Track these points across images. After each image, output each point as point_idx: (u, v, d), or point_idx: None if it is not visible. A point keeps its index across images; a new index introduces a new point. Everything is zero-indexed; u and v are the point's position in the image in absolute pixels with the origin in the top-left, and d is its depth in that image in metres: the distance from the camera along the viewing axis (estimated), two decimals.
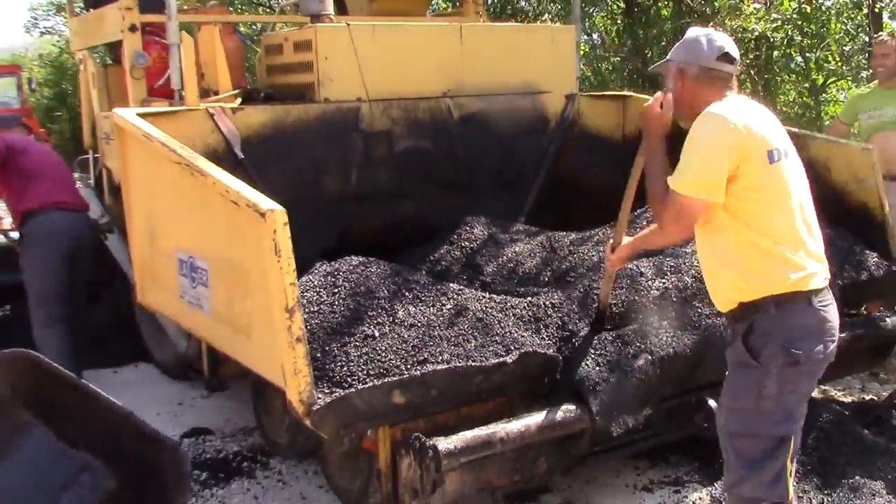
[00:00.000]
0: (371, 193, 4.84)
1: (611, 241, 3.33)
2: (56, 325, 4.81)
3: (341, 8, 6.23)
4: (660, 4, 7.92)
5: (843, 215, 4.48)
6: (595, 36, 10.15)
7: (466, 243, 4.78)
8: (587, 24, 9.80)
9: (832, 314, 2.65)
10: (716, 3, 6.45)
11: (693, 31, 2.85)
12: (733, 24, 5.99)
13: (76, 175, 6.17)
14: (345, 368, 3.03)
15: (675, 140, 2.74)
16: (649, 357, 3.37)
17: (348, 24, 4.72)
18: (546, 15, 9.78)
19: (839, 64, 6.10)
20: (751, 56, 6.60)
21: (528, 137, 5.39)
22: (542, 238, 4.77)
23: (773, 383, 2.57)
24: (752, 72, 6.76)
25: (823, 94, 6.58)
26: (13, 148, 4.86)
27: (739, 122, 2.57)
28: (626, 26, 8.43)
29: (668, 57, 2.86)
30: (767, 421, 2.59)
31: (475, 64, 5.11)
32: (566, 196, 5.48)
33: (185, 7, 5.98)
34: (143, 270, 4.16)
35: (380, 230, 4.83)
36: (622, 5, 8.58)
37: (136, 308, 5.32)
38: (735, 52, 2.77)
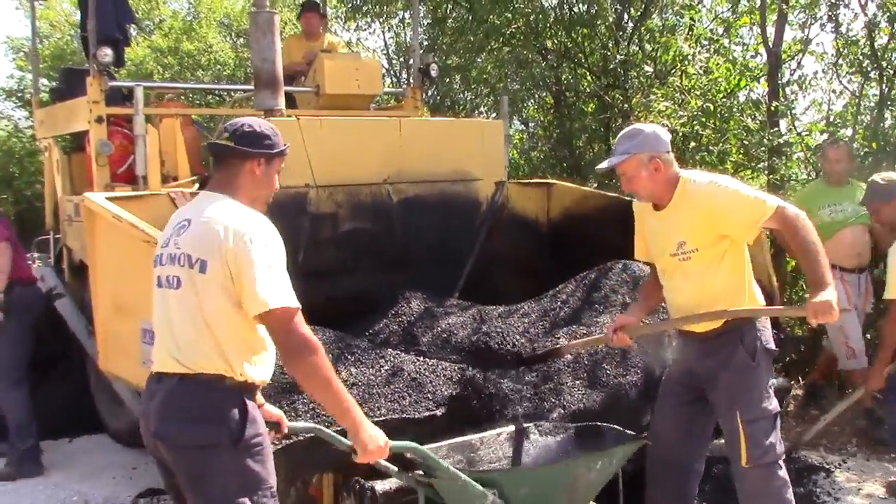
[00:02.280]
0: (317, 270, 5.25)
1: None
2: (22, 388, 5.16)
3: (291, 102, 6.78)
4: (584, 101, 8.63)
5: None
6: (531, 125, 10.87)
7: (404, 316, 5.22)
8: (523, 114, 10.55)
9: None
10: (632, 102, 7.16)
11: (646, 127, 3.47)
12: (647, 120, 6.67)
13: (35, 255, 6.52)
14: (293, 420, 3.44)
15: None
16: (562, 411, 3.84)
17: (298, 118, 5.24)
18: (482, 107, 10.47)
19: (740, 157, 6.80)
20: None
21: (462, 220, 5.90)
22: (474, 311, 5.23)
23: (766, 375, 3.38)
24: None
25: None
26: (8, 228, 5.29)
27: None
28: (555, 118, 9.13)
29: (626, 152, 3.37)
30: (768, 403, 3.32)
31: (413, 154, 5.64)
32: (496, 273, 5.99)
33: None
34: (107, 340, 4.51)
35: (325, 304, 5.22)
36: (551, 100, 9.29)
37: (92, 378, 5.65)
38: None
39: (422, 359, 4.05)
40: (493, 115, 9.72)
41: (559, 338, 4.44)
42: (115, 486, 4.92)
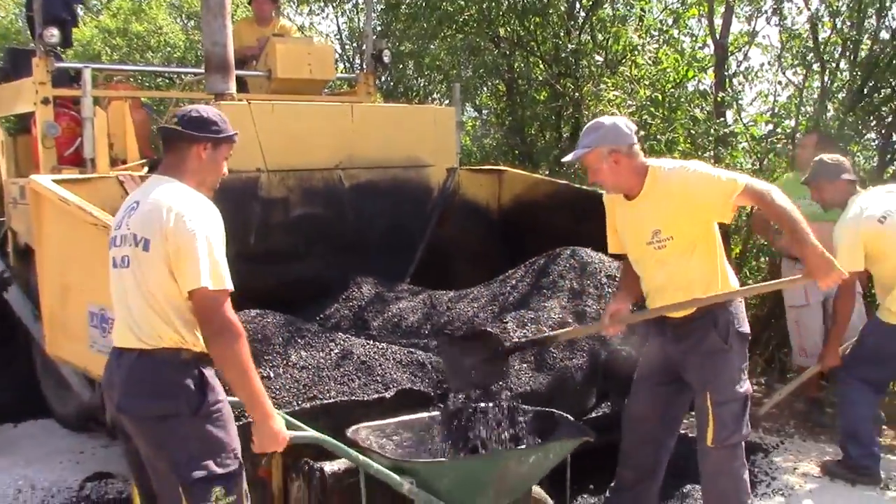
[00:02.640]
0: (268, 255, 5.27)
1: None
2: None
3: (242, 86, 6.74)
4: (536, 89, 8.70)
5: None
6: (485, 112, 10.93)
7: (355, 301, 5.27)
8: (477, 101, 10.59)
9: None
10: (583, 91, 7.25)
11: (607, 120, 3.55)
12: (596, 109, 6.77)
13: None
14: (236, 408, 3.46)
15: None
16: (509, 393, 3.91)
17: (249, 102, 5.22)
18: (436, 94, 10.49)
19: (687, 146, 6.93)
20: None
21: (413, 206, 5.95)
22: (424, 296, 5.30)
23: (739, 358, 3.45)
24: None
25: None
26: None
27: None
28: (507, 106, 9.20)
29: (588, 146, 3.46)
30: (739, 386, 3.42)
31: (365, 139, 5.65)
32: (447, 258, 6.05)
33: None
34: (53, 324, 4.48)
35: (276, 288, 5.24)
36: (504, 88, 9.35)
37: (39, 363, 5.59)
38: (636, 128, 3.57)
39: (372, 342, 4.07)
40: (447, 101, 9.75)
41: (506, 322, 4.50)
42: (61, 470, 4.89)
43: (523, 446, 3.38)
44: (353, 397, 3.59)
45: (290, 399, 3.54)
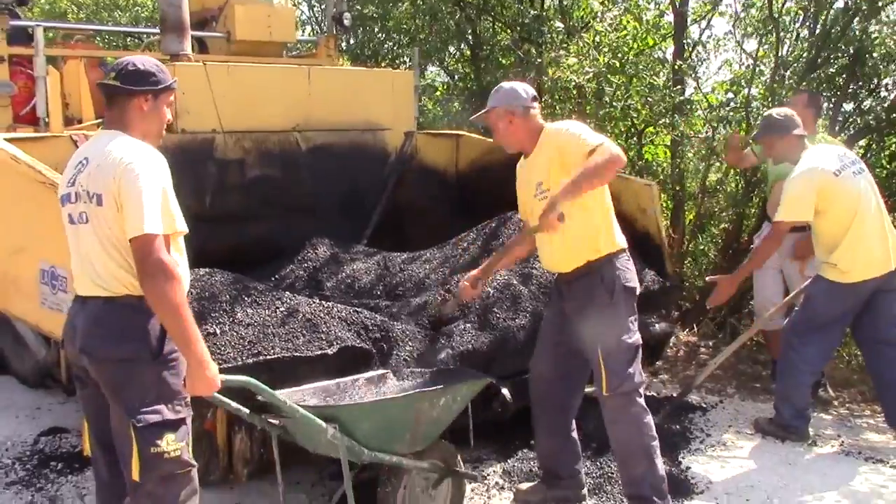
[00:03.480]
0: (224, 215, 5.33)
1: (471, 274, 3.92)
2: None
3: (202, 48, 6.75)
4: (499, 55, 8.75)
5: (630, 239, 5.28)
6: (456, 77, 10.92)
7: (310, 262, 5.36)
8: (448, 66, 10.61)
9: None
10: (543, 57, 7.31)
11: (506, 84, 3.76)
12: (555, 75, 6.84)
13: None
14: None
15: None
16: (450, 352, 4.04)
17: (205, 64, 5.26)
18: (404, 57, 10.48)
19: (644, 112, 7.03)
20: (573, 103, 7.50)
21: (370, 169, 6.02)
22: (379, 258, 5.40)
23: (626, 311, 3.57)
24: (573, 117, 7.66)
25: (636, 138, 7.54)
26: None
27: None
28: (472, 71, 9.24)
29: (489, 106, 3.69)
30: (628, 338, 3.54)
31: (322, 102, 5.72)
32: (404, 221, 6.14)
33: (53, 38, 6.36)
34: (5, 281, 4.54)
35: (232, 249, 5.30)
36: (469, 52, 9.38)
37: None
38: (535, 93, 3.72)
39: (318, 301, 4.16)
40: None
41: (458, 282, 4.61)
42: (17, 424, 4.96)
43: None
44: (297, 353, 3.68)
45: (235, 355, 3.62)
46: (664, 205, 7.83)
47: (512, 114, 3.63)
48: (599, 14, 7.27)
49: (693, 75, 7.43)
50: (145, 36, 7.52)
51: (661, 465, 3.59)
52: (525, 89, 3.70)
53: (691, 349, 6.44)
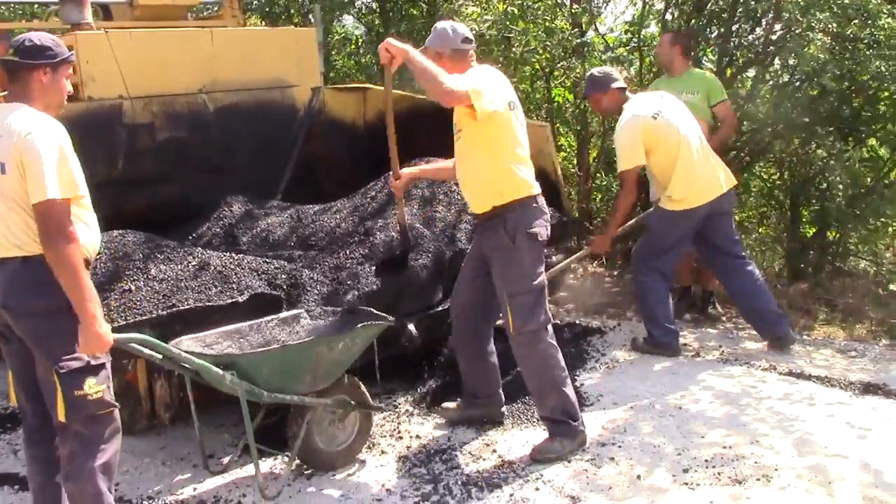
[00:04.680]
0: (137, 179, 5.47)
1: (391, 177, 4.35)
2: None
3: (108, 15, 6.81)
4: (408, 5, 8.92)
5: None
6: (371, 32, 11.01)
7: (226, 219, 5.56)
8: (360, 18, 10.70)
9: (546, 210, 3.96)
10: (443, 7, 7.53)
11: (441, 24, 3.95)
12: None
13: None
14: (107, 316, 3.78)
15: None
16: (356, 293, 4.33)
17: (107, 31, 5.37)
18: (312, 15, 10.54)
19: (545, 57, 7.31)
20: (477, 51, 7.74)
21: (279, 125, 6.20)
22: (292, 211, 5.63)
23: (529, 256, 3.79)
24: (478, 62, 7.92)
25: (545, 81, 7.82)
26: None
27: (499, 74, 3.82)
28: (382, 23, 9.40)
29: (425, 45, 3.90)
30: (532, 280, 3.78)
31: (227, 63, 5.85)
32: (316, 174, 6.36)
33: None
34: None
35: (146, 211, 5.48)
36: (376, 5, 9.53)
37: None
38: (471, 35, 3.91)
39: (228, 254, 4.40)
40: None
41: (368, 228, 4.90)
42: None
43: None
44: (209, 303, 3.93)
45: (151, 309, 3.86)
46: (569, 144, 8.21)
47: (440, 55, 3.82)
48: None
49: (589, 18, 7.70)
50: (50, 6, 7.50)
51: (571, 392, 3.87)
52: (454, 29, 3.87)
53: (596, 279, 6.84)
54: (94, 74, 5.29)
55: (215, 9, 7.61)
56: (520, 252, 3.82)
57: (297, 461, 3.74)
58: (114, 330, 3.10)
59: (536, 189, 3.93)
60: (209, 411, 4.06)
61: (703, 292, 5.97)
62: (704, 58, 7.52)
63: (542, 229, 3.89)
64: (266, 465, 3.84)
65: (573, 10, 7.42)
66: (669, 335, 5.04)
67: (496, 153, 3.81)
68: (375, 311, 3.95)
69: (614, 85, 5.02)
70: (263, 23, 10.40)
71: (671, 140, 4.86)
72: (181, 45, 5.68)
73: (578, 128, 7.65)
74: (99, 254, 4.12)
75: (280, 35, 6.60)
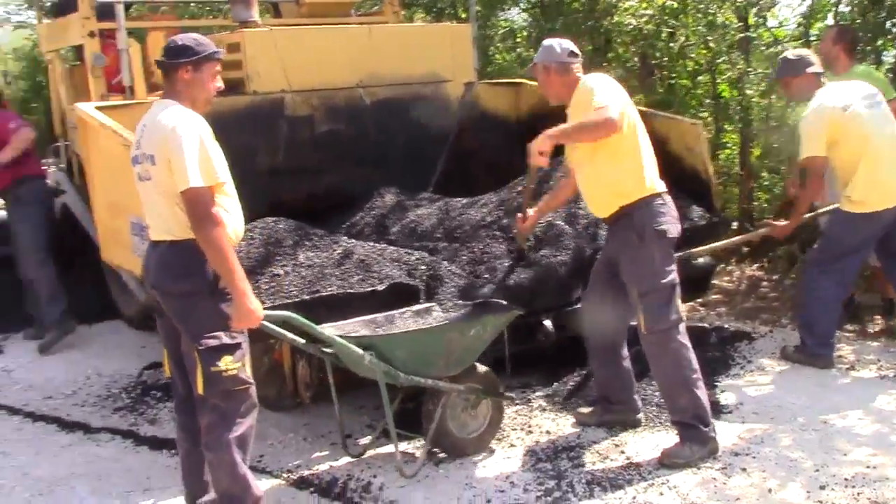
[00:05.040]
0: (296, 169, 5.77)
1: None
2: (47, 263, 6.01)
3: (277, 12, 7.19)
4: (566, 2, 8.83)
5: (678, 177, 5.49)
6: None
7: (378, 209, 5.75)
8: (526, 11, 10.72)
9: (673, 207, 3.91)
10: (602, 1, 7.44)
11: (548, 41, 4.03)
12: (614, 20, 7.00)
13: (50, 160, 7.12)
14: (258, 299, 4.01)
15: None
16: (493, 287, 4.39)
17: (271, 29, 5.67)
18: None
19: (702, 52, 7.08)
20: (637, 46, 7.61)
21: (433, 119, 6.34)
22: (441, 203, 5.75)
23: (659, 253, 3.77)
24: (634, 59, 7.80)
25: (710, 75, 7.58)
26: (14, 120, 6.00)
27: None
28: (539, 17, 9.38)
29: (533, 62, 4.02)
30: (662, 278, 3.76)
31: (384, 58, 6.04)
32: (468, 168, 6.47)
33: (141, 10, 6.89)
34: (106, 234, 5.12)
35: (305, 200, 5.76)
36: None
37: (105, 269, 6.29)
38: (576, 50, 3.95)
39: (371, 244, 4.57)
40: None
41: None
42: (125, 361, 5.61)
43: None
44: (350, 290, 4.10)
45: (297, 293, 4.06)
46: (734, 141, 7.90)
47: (548, 69, 3.92)
48: None
49: (757, 10, 7.38)
50: (221, 5, 7.98)
51: (703, 395, 3.79)
52: (561, 45, 3.94)
53: (753, 283, 6.59)
54: (259, 70, 5.60)
55: (376, 6, 7.86)
56: (648, 250, 3.78)
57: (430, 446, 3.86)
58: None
59: (662, 187, 3.90)
60: (350, 394, 4.25)
61: (883, 301, 5.63)
62: (885, 53, 7.06)
63: (671, 226, 3.84)
64: (401, 447, 3.96)
65: (736, 3, 7.13)
66: (824, 347, 4.77)
67: (618, 155, 3.79)
68: (505, 304, 4.00)
69: (809, 69, 4.75)
70: (428, 18, 10.62)
71: (858, 135, 4.55)
72: (340, 41, 5.92)
73: (741, 125, 7.36)
74: (251, 239, 4.39)
75: (435, 31, 6.75)
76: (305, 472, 3.85)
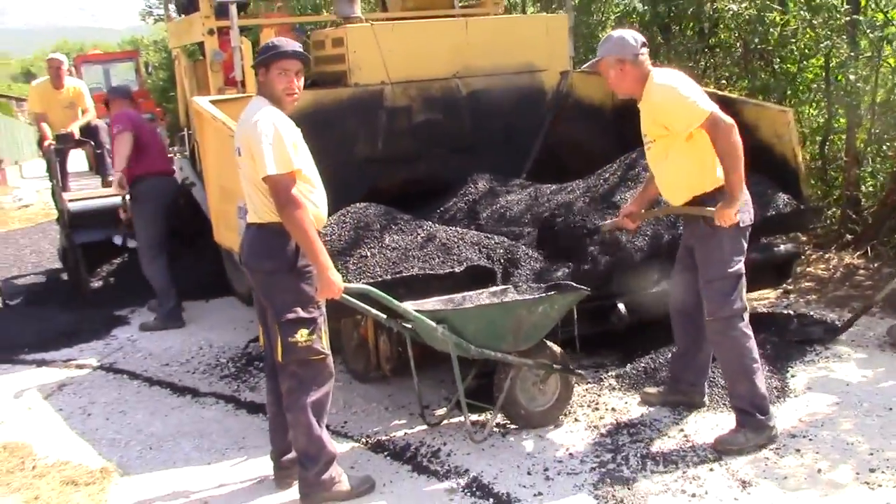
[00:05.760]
0: (394, 157, 6.10)
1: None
2: (160, 258, 6.43)
3: (384, 6, 7.53)
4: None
5: (766, 165, 5.52)
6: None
7: (470, 195, 6.02)
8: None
9: (748, 198, 3.94)
10: None
11: (617, 33, 4.07)
12: (712, 7, 7.00)
13: (175, 148, 7.74)
14: (344, 277, 4.38)
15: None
16: (567, 270, 4.60)
17: (372, 24, 6.01)
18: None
19: (808, 36, 6.96)
20: (741, 31, 7.55)
21: (528, 108, 6.54)
22: (531, 189, 5.96)
23: (729, 242, 3.87)
24: (737, 44, 7.74)
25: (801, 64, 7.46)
26: (136, 125, 6.45)
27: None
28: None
29: (599, 55, 4.05)
30: (729, 267, 3.86)
31: (480, 50, 6.28)
32: (563, 155, 6.65)
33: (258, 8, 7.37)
34: (217, 217, 5.59)
35: (402, 186, 6.08)
36: None
37: (220, 249, 6.82)
38: (645, 40, 4.01)
39: (452, 228, 4.84)
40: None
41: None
42: (234, 334, 6.10)
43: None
44: (430, 272, 4.39)
45: (381, 273, 4.38)
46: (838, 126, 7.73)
47: (622, 62, 3.93)
48: None
49: None
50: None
51: (761, 384, 3.88)
52: (634, 37, 3.97)
53: (850, 271, 6.49)
54: (360, 63, 5.96)
55: None
56: (719, 239, 3.87)
57: (500, 417, 4.12)
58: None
59: None
60: (430, 368, 4.55)
61: None
62: None
63: (745, 215, 3.91)
64: (473, 417, 4.23)
65: None
66: None
67: (694, 149, 3.88)
68: (576, 285, 4.20)
69: None
70: (537, 7, 10.78)
71: None
72: (437, 34, 6.20)
73: (846, 110, 7.21)
74: (343, 223, 4.74)
75: (531, 22, 6.95)
76: (383, 438, 4.18)
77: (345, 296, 3.65)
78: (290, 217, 3.38)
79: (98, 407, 4.95)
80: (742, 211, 3.90)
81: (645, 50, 3.99)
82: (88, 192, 7.81)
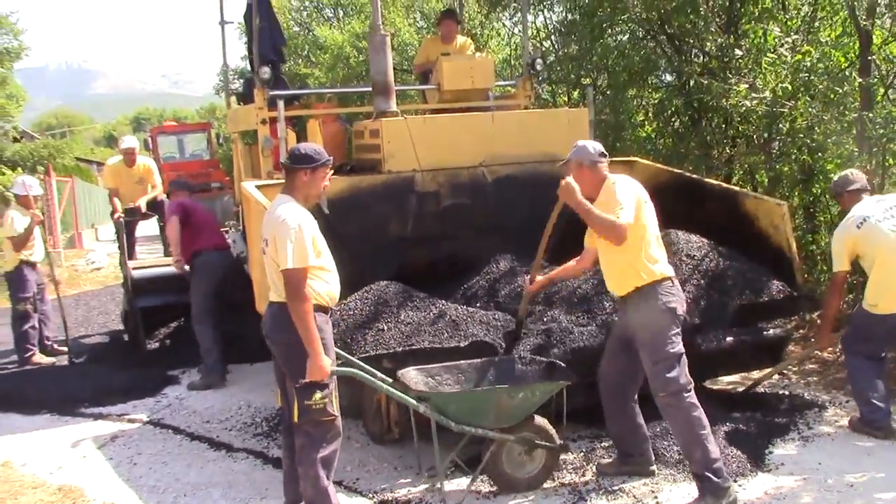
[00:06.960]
0: (423, 237, 6.64)
1: (527, 276, 5.07)
2: (208, 323, 7.10)
3: (423, 96, 8.20)
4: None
5: (764, 253, 5.95)
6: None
7: (492, 274, 6.52)
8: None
9: (679, 289, 4.51)
10: (713, 87, 7.90)
11: (581, 142, 4.78)
12: (727, 102, 7.49)
13: (231, 223, 8.46)
14: (362, 347, 4.92)
15: None
16: (563, 347, 5.07)
17: (405, 117, 6.65)
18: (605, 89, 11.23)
19: (828, 126, 7.31)
20: (757, 124, 8.01)
21: (549, 193, 7.00)
22: (548, 269, 6.46)
23: (668, 326, 4.35)
24: (754, 136, 8.17)
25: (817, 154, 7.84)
26: (188, 209, 7.20)
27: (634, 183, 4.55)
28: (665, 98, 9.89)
29: (566, 158, 4.74)
30: (670, 348, 4.34)
31: (505, 141, 6.85)
32: (580, 238, 7.12)
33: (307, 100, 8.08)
34: (259, 289, 6.20)
35: (429, 265, 6.62)
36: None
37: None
38: (604, 150, 4.66)
39: (462, 307, 5.36)
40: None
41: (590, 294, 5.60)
42: (271, 396, 6.66)
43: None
44: (436, 345, 4.91)
45: (395, 345, 4.93)
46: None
47: (581, 166, 4.61)
48: (778, 40, 7.69)
49: (883, 90, 7.58)
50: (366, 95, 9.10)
51: (714, 449, 4.27)
52: (594, 147, 4.67)
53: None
54: (394, 152, 6.58)
55: (507, 89, 8.71)
56: (659, 324, 4.35)
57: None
58: (360, 359, 4.38)
59: (670, 272, 4.52)
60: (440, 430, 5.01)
61: None
62: None
63: (678, 305, 4.42)
64: (465, 480, 4.67)
65: (858, 82, 7.37)
66: (877, 412, 5.09)
67: (634, 246, 4.40)
68: (567, 369, 4.66)
69: (849, 188, 5.48)
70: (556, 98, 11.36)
71: (874, 247, 5.19)
72: (466, 126, 6.80)
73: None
74: (365, 299, 5.29)
75: (553, 115, 7.51)
76: (388, 496, 4.65)
77: (356, 370, 4.24)
78: (296, 309, 3.94)
79: (144, 457, 5.54)
80: (676, 302, 4.43)
81: (603, 158, 4.62)
82: (150, 261, 8.58)
